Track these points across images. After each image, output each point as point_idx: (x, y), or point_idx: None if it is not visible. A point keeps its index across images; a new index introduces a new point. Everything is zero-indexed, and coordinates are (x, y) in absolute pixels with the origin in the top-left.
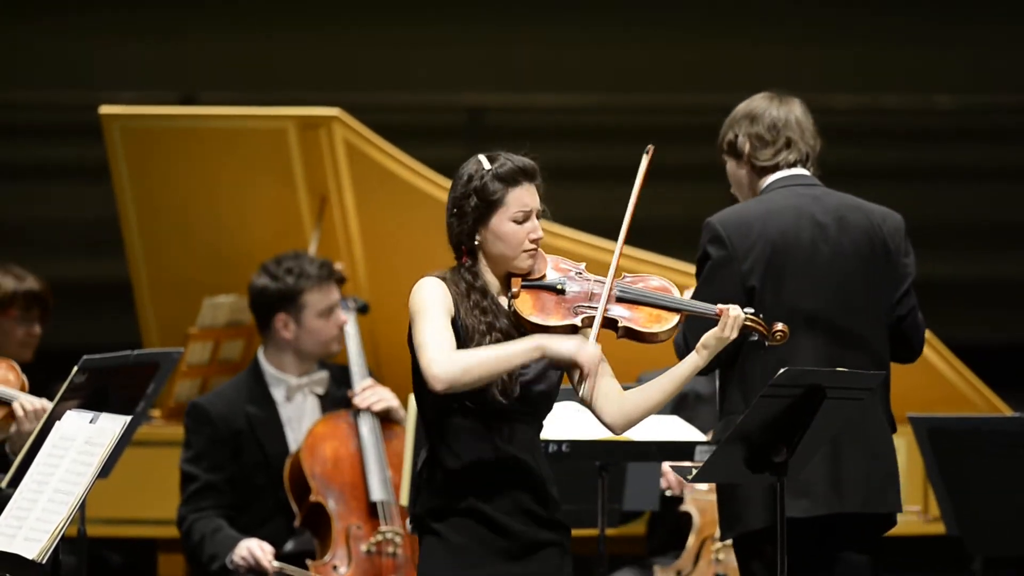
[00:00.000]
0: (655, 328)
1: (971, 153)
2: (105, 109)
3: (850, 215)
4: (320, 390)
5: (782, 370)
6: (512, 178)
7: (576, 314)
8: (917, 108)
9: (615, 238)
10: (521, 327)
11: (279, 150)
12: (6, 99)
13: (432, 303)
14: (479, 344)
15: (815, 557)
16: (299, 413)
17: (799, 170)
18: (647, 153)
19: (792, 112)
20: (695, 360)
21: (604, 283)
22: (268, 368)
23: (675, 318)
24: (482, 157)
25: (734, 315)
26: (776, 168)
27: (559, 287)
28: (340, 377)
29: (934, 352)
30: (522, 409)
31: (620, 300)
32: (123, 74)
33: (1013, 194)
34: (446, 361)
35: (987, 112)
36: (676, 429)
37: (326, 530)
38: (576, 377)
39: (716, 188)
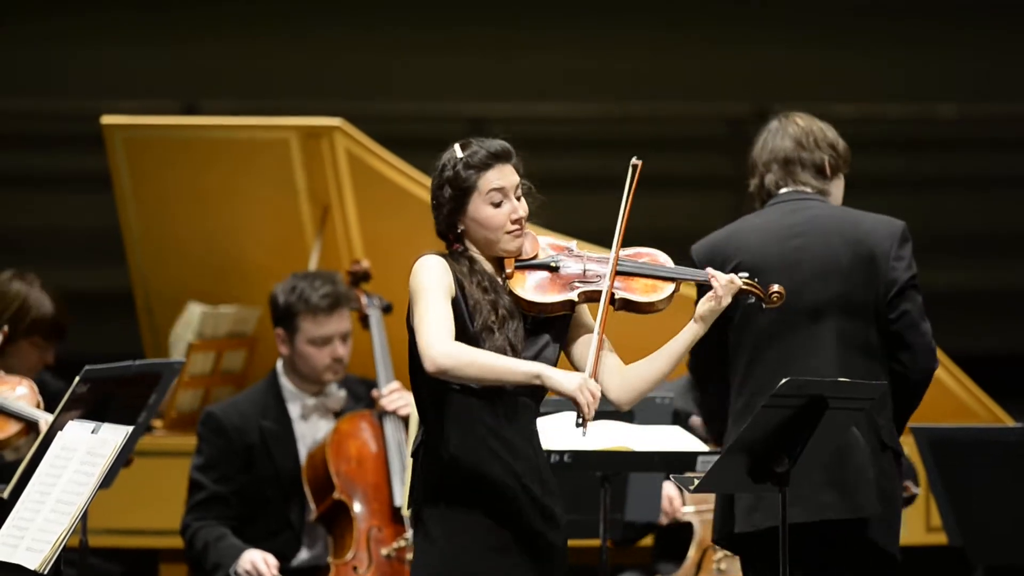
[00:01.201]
0: (652, 297)
1: (973, 162)
2: (107, 119)
3: (826, 224)
4: (336, 407)
5: (784, 380)
6: (483, 163)
7: (572, 289)
8: (919, 117)
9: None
10: (521, 306)
11: (281, 160)
12: (7, 107)
13: (433, 283)
14: (484, 319)
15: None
16: (313, 431)
17: (784, 189)
18: (634, 168)
19: (775, 140)
20: (695, 329)
21: (597, 259)
22: (286, 383)
23: (671, 287)
24: (456, 146)
25: (725, 280)
26: (763, 203)
27: (553, 264)
28: (361, 393)
29: None
30: (521, 388)
31: (615, 273)
32: (125, 83)
33: (1016, 203)
34: (447, 348)
35: (989, 121)
36: (678, 439)
37: (345, 529)
38: (576, 414)
39: (718, 198)
